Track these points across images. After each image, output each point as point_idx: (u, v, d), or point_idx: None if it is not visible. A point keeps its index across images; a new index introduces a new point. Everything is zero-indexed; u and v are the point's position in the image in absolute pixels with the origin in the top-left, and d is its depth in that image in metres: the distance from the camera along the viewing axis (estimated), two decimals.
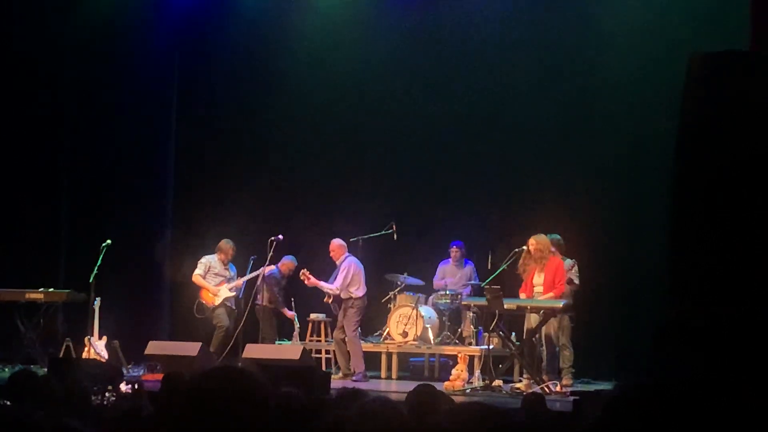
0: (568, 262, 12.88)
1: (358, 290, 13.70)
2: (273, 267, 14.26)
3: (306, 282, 13.93)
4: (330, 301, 13.95)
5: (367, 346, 14.16)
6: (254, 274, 14.21)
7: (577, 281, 12.97)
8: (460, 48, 15.63)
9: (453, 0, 15.71)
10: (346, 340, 13.63)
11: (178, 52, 16.56)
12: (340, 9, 16.13)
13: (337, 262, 13.86)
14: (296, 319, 14.61)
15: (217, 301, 14.31)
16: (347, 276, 13.66)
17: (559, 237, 12.87)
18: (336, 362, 14.04)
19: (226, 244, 14.50)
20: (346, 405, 4.57)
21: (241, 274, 14.50)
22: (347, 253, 13.91)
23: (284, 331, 14.78)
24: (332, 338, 14.27)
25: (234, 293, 14.42)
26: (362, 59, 16.00)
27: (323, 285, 13.88)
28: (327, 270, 14.12)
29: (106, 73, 15.82)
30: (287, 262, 14.50)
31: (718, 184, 8.58)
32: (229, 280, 14.43)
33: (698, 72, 8.95)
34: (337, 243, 13.94)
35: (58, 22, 15.52)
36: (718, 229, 8.62)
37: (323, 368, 14.06)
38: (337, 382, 12.11)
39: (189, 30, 16.45)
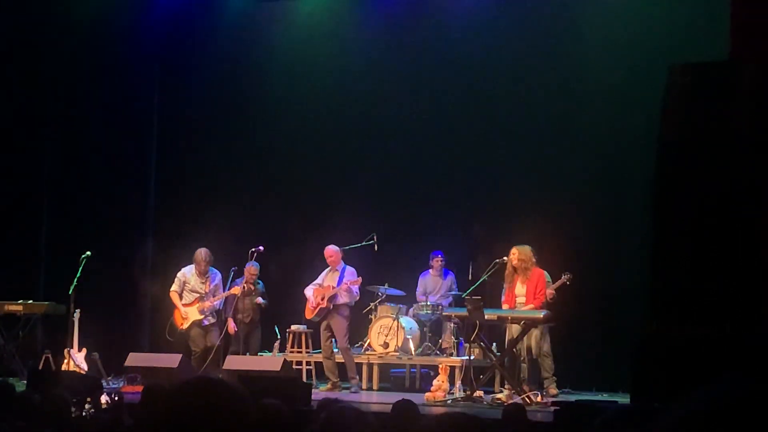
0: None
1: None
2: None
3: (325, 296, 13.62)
4: (313, 315, 13.76)
5: None
6: (229, 293, 14.00)
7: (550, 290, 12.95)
8: (441, 59, 15.65)
9: (434, 10, 15.75)
10: (341, 349, 13.52)
11: (160, 58, 16.52)
12: (322, 21, 16.15)
13: (337, 267, 13.70)
14: (277, 330, 14.56)
15: (186, 324, 13.96)
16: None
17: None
18: (324, 374, 13.94)
19: (198, 254, 13.98)
20: None
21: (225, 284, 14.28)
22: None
23: (265, 343, 14.71)
24: (318, 349, 14.17)
25: (202, 316, 14.00)
26: (342, 71, 16.04)
27: (342, 288, 13.55)
28: (305, 281, 14.05)
29: (87, 82, 15.75)
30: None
31: (696, 202, 8.65)
32: (206, 295, 14.06)
33: (679, 81, 9.02)
34: (335, 249, 13.76)
35: (38, 27, 15.43)
36: (696, 249, 8.69)
37: (304, 379, 13.99)
38: (320, 393, 12.11)
39: (171, 36, 16.42)
